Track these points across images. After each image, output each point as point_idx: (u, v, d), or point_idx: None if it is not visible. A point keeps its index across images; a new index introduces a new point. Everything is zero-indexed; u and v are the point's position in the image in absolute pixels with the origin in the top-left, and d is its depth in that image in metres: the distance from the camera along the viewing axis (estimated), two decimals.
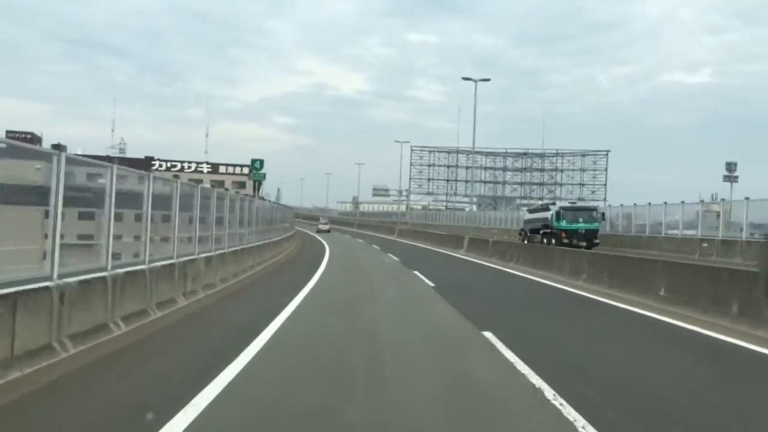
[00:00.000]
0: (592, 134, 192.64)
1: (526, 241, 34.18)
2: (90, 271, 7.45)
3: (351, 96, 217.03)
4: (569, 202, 36.14)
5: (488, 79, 38.40)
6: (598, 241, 29.57)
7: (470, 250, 31.07)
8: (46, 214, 6.65)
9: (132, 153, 71.12)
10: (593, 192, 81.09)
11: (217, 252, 14.05)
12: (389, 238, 55.01)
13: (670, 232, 30.51)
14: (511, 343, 7.96)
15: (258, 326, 8.72)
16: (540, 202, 78.20)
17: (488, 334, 8.61)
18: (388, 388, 5.99)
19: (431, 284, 16.20)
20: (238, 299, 12.78)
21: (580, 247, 26.53)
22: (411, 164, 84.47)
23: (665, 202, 30.97)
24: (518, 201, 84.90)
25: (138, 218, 9.80)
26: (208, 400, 5.20)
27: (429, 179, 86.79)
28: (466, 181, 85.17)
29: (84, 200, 9.13)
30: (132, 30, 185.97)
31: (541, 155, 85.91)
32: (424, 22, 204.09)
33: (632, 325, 10.40)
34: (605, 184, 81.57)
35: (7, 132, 51.18)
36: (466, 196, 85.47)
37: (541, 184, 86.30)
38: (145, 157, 68.72)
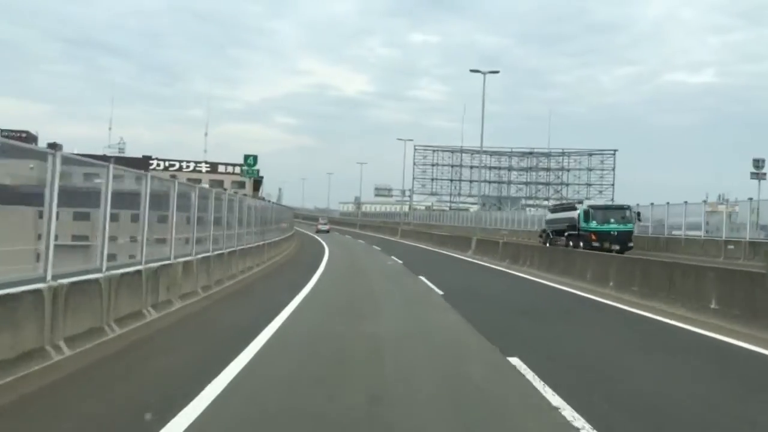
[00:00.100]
0: (596, 134, 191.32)
1: (548, 244, 30.74)
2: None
3: (354, 96, 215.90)
4: (603, 201, 32.27)
5: (497, 71, 36.94)
6: (632, 244, 26.37)
7: (478, 252, 29.31)
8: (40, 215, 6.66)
9: (132, 153, 70.25)
10: (600, 192, 79.42)
11: (200, 256, 12.60)
12: (392, 239, 53.40)
13: (690, 233, 28.81)
14: (550, 375, 6.26)
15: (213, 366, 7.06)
16: (547, 202, 77.25)
17: (516, 362, 6.92)
18: None
19: (440, 292, 14.51)
20: (221, 311, 11.14)
21: (612, 251, 23.87)
22: (414, 164, 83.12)
23: (685, 202, 29.25)
24: (523, 201, 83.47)
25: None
26: None
27: (432, 179, 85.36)
28: (471, 181, 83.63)
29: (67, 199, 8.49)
30: (132, 30, 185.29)
31: (547, 154, 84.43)
32: (426, 22, 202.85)
33: (704, 354, 8.68)
34: (613, 184, 79.89)
35: (2, 131, 49.91)
36: (470, 196, 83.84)
37: (547, 183, 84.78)
38: (143, 156, 67.73)
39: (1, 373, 5.30)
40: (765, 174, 34.26)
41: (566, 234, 28.93)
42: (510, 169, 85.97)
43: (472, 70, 36.40)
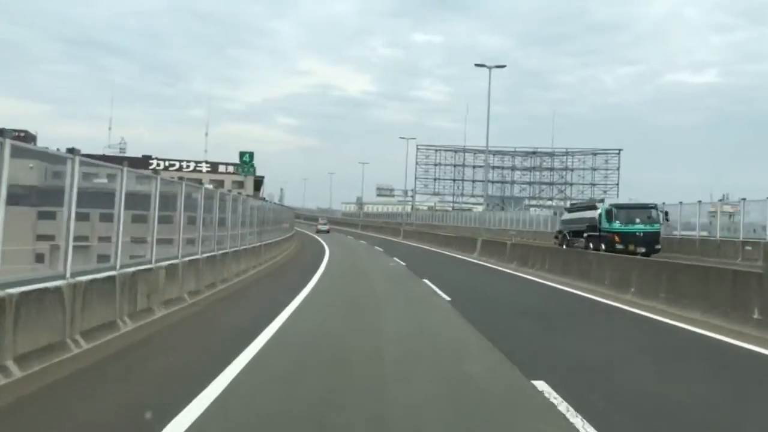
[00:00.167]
0: (599, 134, 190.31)
1: (564, 246, 28.76)
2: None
3: (356, 96, 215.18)
4: (628, 199, 28.63)
5: (504, 66, 35.93)
6: (659, 246, 24.40)
7: (484, 253, 28.22)
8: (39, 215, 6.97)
9: (133, 153, 69.38)
10: (605, 192, 78.10)
11: (186, 258, 11.64)
12: (394, 239, 52.40)
13: (704, 233, 27.75)
14: (585, 405, 5.23)
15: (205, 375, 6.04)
16: (551, 202, 76.21)
17: (542, 386, 5.86)
18: None
19: (446, 297, 13.45)
20: (208, 319, 10.12)
21: (637, 253, 22.21)
22: (417, 163, 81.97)
23: (699, 201, 28.18)
24: (527, 201, 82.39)
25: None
26: None
27: (435, 179, 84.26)
28: (474, 181, 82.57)
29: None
30: (132, 30, 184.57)
31: (551, 154, 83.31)
32: (428, 22, 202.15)
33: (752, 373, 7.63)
34: (617, 184, 78.72)
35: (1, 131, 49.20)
36: (473, 196, 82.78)
37: (551, 183, 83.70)
38: (143, 156, 66.96)
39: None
40: None
41: (586, 235, 26.96)
42: (513, 168, 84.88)
43: (477, 65, 35.76)
